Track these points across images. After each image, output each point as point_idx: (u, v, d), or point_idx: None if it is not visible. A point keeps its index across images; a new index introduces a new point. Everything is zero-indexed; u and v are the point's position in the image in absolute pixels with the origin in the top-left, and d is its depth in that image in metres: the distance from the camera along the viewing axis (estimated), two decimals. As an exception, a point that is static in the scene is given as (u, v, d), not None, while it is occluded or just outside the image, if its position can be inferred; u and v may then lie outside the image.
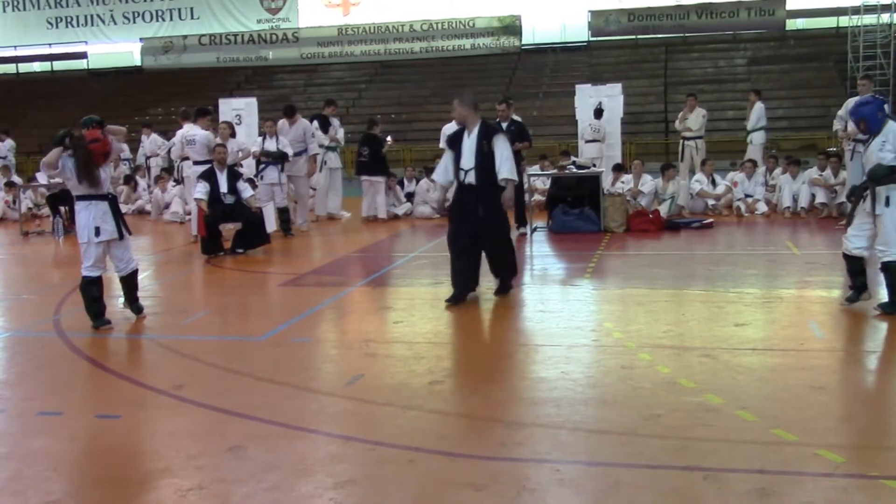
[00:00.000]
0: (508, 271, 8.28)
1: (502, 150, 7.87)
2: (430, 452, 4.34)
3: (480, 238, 7.99)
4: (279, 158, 12.99)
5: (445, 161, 8.27)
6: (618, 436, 4.52)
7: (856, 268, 6.97)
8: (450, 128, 12.27)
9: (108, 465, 4.40)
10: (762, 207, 14.21)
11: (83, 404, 5.45)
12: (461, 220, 8.03)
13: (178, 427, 4.89)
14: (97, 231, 7.14)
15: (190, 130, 12.45)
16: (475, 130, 7.95)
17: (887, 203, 6.60)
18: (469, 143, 7.95)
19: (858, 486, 3.88)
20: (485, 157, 7.86)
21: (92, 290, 7.26)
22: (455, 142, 8.12)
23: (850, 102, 12.14)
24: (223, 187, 11.24)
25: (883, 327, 6.53)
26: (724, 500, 3.74)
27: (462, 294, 7.97)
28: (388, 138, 14.66)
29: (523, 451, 4.37)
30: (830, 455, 4.14)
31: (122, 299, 7.79)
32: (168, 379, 5.78)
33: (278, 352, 6.48)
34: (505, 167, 7.83)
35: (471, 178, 7.91)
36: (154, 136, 19.24)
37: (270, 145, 13.11)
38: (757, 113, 16.19)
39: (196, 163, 12.31)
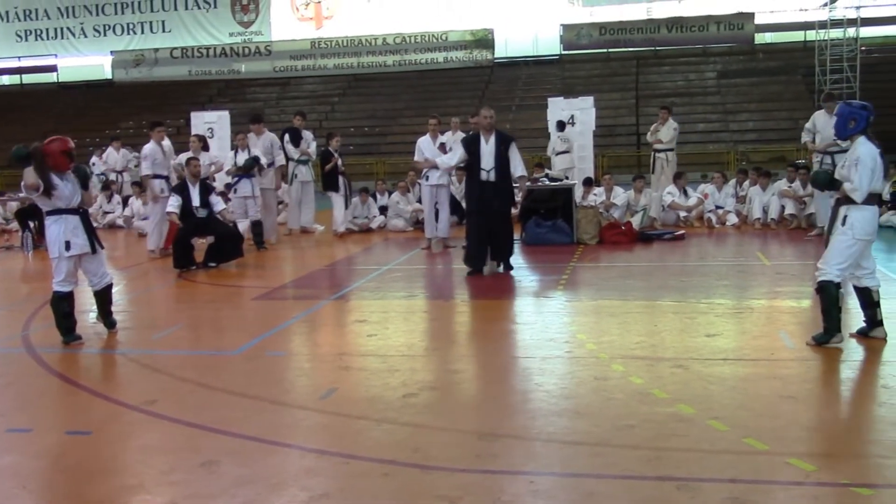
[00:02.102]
0: (510, 252, 10.29)
1: (516, 155, 10.13)
2: (405, 465, 4.33)
3: (492, 223, 10.00)
4: (251, 167, 12.89)
5: (457, 153, 10.55)
6: (591, 447, 4.54)
7: (867, 300, 6.48)
8: (425, 141, 12.36)
9: (78, 482, 4.34)
10: (733, 219, 14.35)
11: (53, 420, 5.39)
12: (479, 209, 10.08)
13: (151, 443, 4.85)
14: (67, 245, 7.05)
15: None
16: (492, 138, 10.04)
17: (844, 222, 6.31)
18: (488, 149, 10.03)
19: (829, 494, 3.92)
20: (502, 160, 9.98)
21: (63, 306, 7.18)
22: (472, 145, 10.13)
23: (818, 114, 12.33)
24: (195, 201, 11.17)
25: (851, 336, 6.61)
26: (697, 509, 3.77)
27: (479, 267, 10.05)
28: (335, 155, 14.44)
29: (497, 463, 4.38)
30: (801, 463, 4.18)
31: (93, 314, 7.71)
32: (140, 394, 5.72)
33: (252, 366, 6.44)
34: (520, 168, 10.17)
35: (492, 177, 9.99)
36: (124, 150, 19.07)
37: (242, 159, 13.04)
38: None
39: (156, 176, 12.34)
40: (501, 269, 10.27)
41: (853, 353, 6.28)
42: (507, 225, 10.29)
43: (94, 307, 7.65)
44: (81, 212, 7.18)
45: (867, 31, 30.47)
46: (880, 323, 6.49)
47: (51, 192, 6.93)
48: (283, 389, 5.84)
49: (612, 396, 5.36)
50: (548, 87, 30.19)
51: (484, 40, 34.62)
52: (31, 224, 14.02)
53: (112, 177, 18.79)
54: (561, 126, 17.17)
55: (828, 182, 6.59)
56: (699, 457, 4.34)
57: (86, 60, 38.57)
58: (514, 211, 12.24)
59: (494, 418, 5.11)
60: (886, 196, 13.19)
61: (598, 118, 18.50)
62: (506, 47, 35.14)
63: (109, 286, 7.51)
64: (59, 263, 7.11)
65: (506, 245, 10.25)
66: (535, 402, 5.30)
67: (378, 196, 15.95)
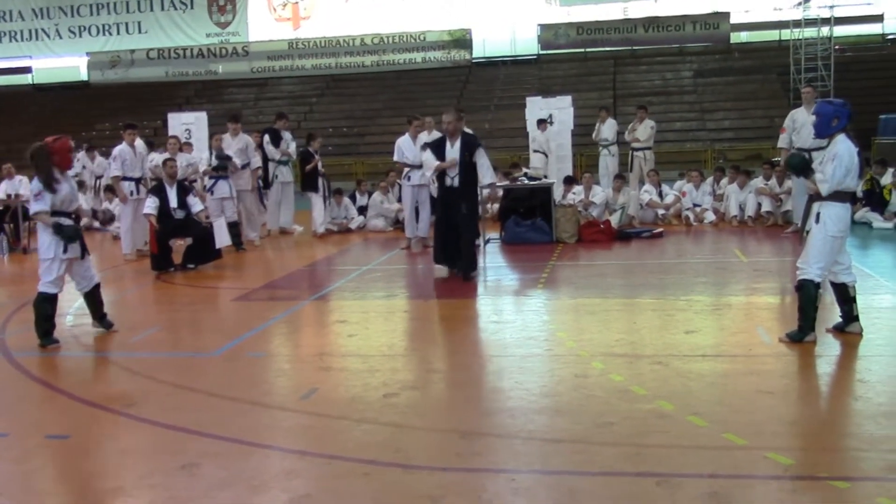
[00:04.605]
0: (471, 262, 9.81)
1: (484, 160, 9.75)
2: (386, 465, 4.33)
3: (458, 227, 9.64)
4: (225, 167, 12.83)
5: (428, 156, 10.02)
6: (572, 444, 4.56)
7: (843, 295, 6.55)
8: (405, 141, 12.32)
9: (58, 487, 4.31)
10: (710, 216, 14.44)
11: (31, 424, 5.34)
12: (445, 215, 9.80)
13: (130, 446, 4.83)
14: (65, 248, 7.03)
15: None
16: (457, 143, 9.68)
17: (818, 220, 6.35)
18: (452, 153, 9.66)
19: (806, 488, 3.97)
20: (466, 165, 9.63)
21: (46, 307, 7.13)
22: (437, 149, 9.78)
23: (796, 112, 12.40)
24: (173, 202, 11.11)
25: (828, 332, 6.67)
26: (676, 504, 3.80)
27: (451, 265, 9.78)
28: (315, 156, 14.46)
29: (479, 462, 4.39)
30: (779, 458, 4.23)
31: (70, 317, 7.66)
32: (119, 397, 5.69)
33: (231, 367, 6.42)
34: (489, 174, 9.82)
35: (455, 182, 9.65)
36: (99, 158, 18.97)
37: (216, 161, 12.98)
38: (612, 128, 16.74)
39: (126, 178, 12.30)
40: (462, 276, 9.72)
41: (830, 348, 6.35)
42: (470, 232, 9.84)
43: (72, 311, 7.61)
44: (75, 217, 7.21)
45: (841, 30, 30.75)
46: (856, 318, 6.56)
47: (53, 187, 6.97)
48: (263, 390, 5.82)
49: (592, 394, 5.39)
50: (526, 87, 30.23)
51: (462, 40, 34.62)
52: (6, 227, 13.89)
53: (92, 181, 18.63)
54: (539, 123, 17.26)
55: (802, 165, 6.52)
56: (679, 452, 4.37)
57: (61, 62, 38.18)
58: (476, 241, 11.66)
59: (475, 417, 5.12)
60: (860, 193, 13.32)
61: (577, 117, 18.56)
62: (483, 47, 35.16)
63: (97, 286, 7.50)
64: (51, 265, 7.07)
65: (469, 249, 9.82)
66: (516, 400, 5.32)
67: (358, 196, 15.93)
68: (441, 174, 9.78)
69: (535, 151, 17.34)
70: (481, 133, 19.69)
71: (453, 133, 9.73)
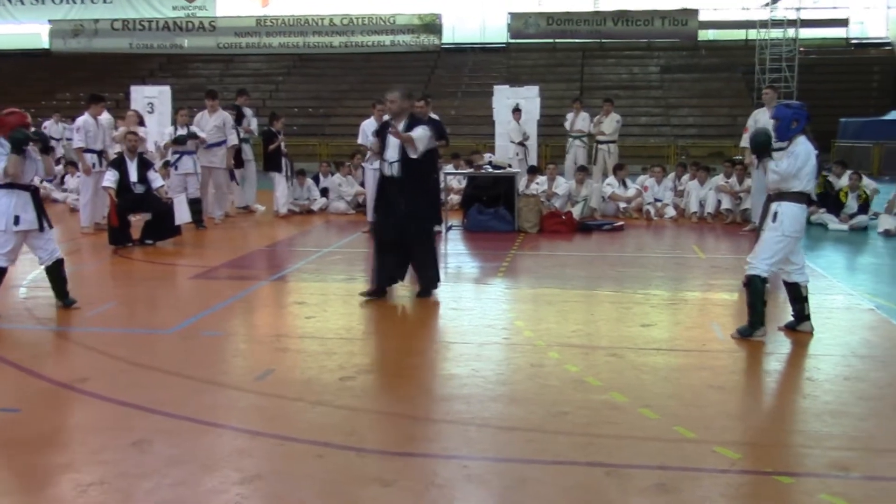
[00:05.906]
0: (430, 275, 8.13)
1: (420, 130, 7.77)
2: (339, 448, 4.34)
3: (404, 232, 7.91)
4: (184, 142, 12.68)
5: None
6: (525, 432, 4.60)
7: (795, 295, 6.67)
8: (369, 124, 12.24)
9: (6, 460, 4.26)
10: (670, 212, 14.58)
11: (-21, 397, 5.27)
12: (385, 215, 8.04)
13: (81, 421, 4.78)
14: (17, 220, 6.93)
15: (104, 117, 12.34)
16: (402, 124, 7.87)
17: (774, 218, 6.43)
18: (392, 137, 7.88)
19: (753, 482, 4.05)
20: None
21: None
22: (381, 133, 8.11)
23: (758, 112, 12.56)
24: (133, 176, 10.96)
25: (780, 330, 6.79)
26: (624, 495, 3.86)
27: (380, 288, 7.97)
28: (279, 136, 14.37)
29: (432, 447, 4.41)
30: (727, 452, 4.30)
31: (24, 289, 7.54)
32: (71, 372, 5.62)
33: (187, 345, 6.38)
34: (420, 143, 7.70)
35: (395, 171, 7.88)
36: (63, 124, 18.84)
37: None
38: (587, 120, 17.08)
39: (88, 150, 12.19)
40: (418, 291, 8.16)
41: (780, 346, 6.46)
42: (422, 234, 8.10)
43: (26, 283, 7.50)
44: (32, 189, 7.09)
45: (806, 33, 31.22)
46: (807, 317, 6.68)
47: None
48: (219, 370, 5.79)
49: (548, 383, 5.43)
50: (494, 75, 30.26)
51: (431, 25, 34.54)
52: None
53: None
54: (514, 112, 17.24)
55: (765, 144, 6.52)
56: (630, 444, 4.43)
57: (22, 28, 37.43)
58: (437, 228, 10.12)
59: (430, 403, 5.15)
60: (814, 196, 13.53)
61: (543, 108, 18.62)
62: (453, 33, 35.14)
63: (61, 261, 7.39)
64: (3, 236, 6.97)
65: (424, 259, 8.14)
66: (471, 387, 5.35)
67: (321, 178, 15.85)
68: (381, 162, 8.10)
69: (512, 142, 17.35)
70: (447, 119, 19.71)
71: (397, 114, 7.95)
